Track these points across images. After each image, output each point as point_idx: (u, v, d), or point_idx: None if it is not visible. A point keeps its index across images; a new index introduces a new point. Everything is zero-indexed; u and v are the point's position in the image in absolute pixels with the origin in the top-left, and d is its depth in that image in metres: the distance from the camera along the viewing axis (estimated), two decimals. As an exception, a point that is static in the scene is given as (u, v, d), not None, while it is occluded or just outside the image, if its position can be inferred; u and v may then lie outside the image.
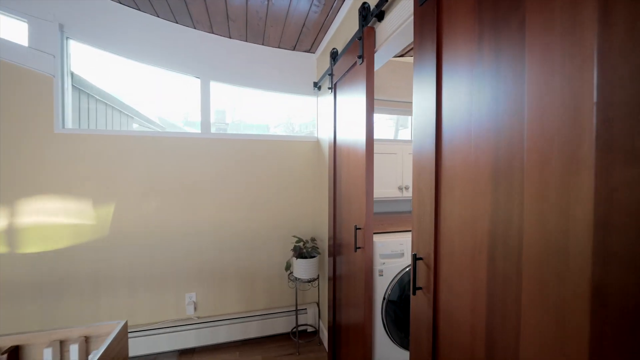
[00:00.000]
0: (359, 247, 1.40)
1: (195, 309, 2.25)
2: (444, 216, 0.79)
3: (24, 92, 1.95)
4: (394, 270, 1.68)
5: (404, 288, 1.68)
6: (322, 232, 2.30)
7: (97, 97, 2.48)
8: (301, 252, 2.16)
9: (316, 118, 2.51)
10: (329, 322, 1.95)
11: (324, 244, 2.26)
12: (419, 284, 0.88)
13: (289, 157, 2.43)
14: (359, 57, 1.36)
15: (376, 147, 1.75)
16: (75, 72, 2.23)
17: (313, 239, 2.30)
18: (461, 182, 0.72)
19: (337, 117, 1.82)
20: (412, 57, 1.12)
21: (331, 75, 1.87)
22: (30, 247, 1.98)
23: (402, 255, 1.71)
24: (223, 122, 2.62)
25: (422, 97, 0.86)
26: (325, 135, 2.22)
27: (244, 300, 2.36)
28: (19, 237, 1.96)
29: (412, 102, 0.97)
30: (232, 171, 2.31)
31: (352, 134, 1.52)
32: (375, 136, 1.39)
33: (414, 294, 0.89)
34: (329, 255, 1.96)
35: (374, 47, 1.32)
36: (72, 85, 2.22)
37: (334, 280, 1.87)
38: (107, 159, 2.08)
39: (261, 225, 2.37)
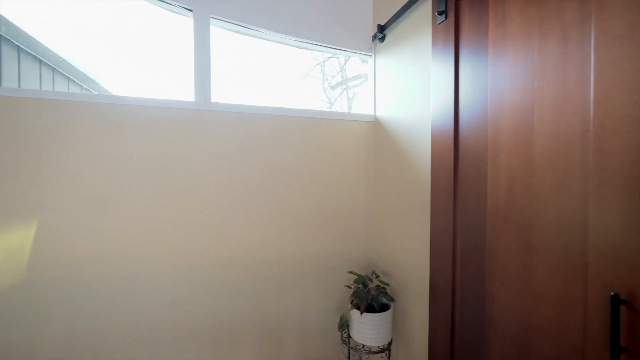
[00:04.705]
0: (625, 350, 0.58)
1: (185, 398, 1.34)
2: None
3: None
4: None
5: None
6: (388, 260, 1.46)
7: (17, 43, 1.48)
8: (367, 301, 1.31)
9: (373, 87, 1.66)
10: None
11: (395, 282, 1.42)
12: None
13: (330, 145, 1.56)
14: None
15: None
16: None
17: (375, 274, 1.46)
18: None
19: (459, 68, 0.98)
20: None
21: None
22: None
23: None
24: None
25: None
26: (397, 111, 1.38)
27: (265, 374, 1.47)
28: None
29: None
30: (245, 165, 1.41)
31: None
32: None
33: None
34: (434, 304, 1.13)
35: None
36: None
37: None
38: (24, 142, 1.12)
39: (291, 253, 1.49)
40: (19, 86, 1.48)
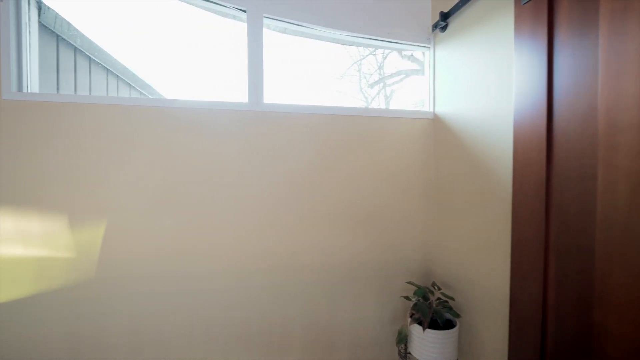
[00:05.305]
0: None
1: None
2: None
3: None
4: None
5: None
6: (449, 271, 1.33)
7: (88, 54, 1.60)
8: (430, 316, 1.19)
9: (431, 81, 1.52)
10: None
11: (460, 296, 1.28)
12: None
13: (384, 144, 1.46)
14: None
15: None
16: (50, 5, 1.35)
17: (436, 286, 1.33)
18: None
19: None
20: None
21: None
22: (-41, 299, 1.11)
23: None
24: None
25: None
26: (463, 107, 1.23)
27: (316, 383, 1.42)
28: None
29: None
30: (296, 167, 1.37)
31: None
32: None
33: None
34: (516, 329, 0.98)
35: None
36: (41, 24, 1.35)
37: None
38: (91, 145, 1.19)
39: (343, 259, 1.42)
40: (90, 93, 1.59)
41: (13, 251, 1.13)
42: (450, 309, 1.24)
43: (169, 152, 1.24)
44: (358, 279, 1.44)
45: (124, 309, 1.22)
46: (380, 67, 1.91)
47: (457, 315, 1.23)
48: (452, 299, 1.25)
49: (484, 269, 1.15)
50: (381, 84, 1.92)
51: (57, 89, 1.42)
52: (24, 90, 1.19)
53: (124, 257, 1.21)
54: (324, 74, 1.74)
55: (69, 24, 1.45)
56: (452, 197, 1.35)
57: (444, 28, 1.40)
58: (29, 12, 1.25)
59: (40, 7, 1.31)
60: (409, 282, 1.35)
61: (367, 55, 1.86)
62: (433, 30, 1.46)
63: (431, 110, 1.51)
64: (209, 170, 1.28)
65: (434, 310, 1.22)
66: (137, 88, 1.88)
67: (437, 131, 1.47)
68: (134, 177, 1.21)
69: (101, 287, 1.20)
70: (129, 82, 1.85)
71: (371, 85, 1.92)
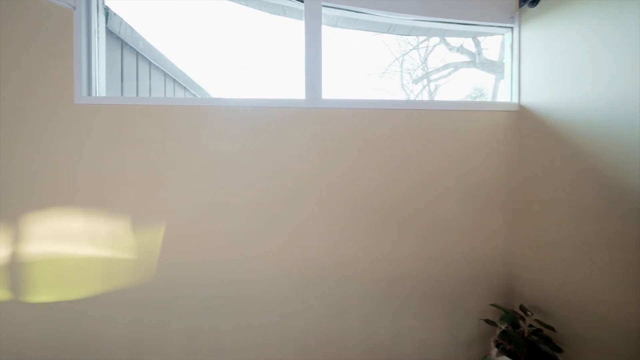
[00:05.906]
0: None
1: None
2: None
3: (22, 31, 1.14)
4: None
5: None
6: (540, 291, 1.09)
7: (149, 58, 1.63)
8: (526, 348, 0.98)
9: (513, 66, 1.30)
10: None
11: (557, 324, 1.05)
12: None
13: (458, 142, 1.27)
14: None
15: None
16: (116, 11, 1.39)
17: (525, 310, 1.11)
18: None
19: None
20: None
21: None
22: (35, 295, 1.16)
23: None
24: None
25: None
26: (564, 95, 0.99)
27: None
28: (16, 278, 1.15)
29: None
30: (360, 167, 1.24)
31: None
32: None
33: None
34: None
35: None
36: (108, 30, 1.39)
37: None
38: (152, 147, 1.17)
39: (411, 272, 1.25)
40: (150, 95, 1.63)
41: (83, 251, 1.16)
42: (548, 340, 1.02)
43: (225, 152, 1.19)
44: (427, 295, 1.26)
45: (182, 313, 1.19)
46: (424, 62, 1.77)
47: (558, 350, 1.00)
48: (552, 329, 1.02)
49: (599, 296, 0.92)
50: (425, 80, 1.78)
51: (122, 92, 1.46)
52: (93, 94, 1.22)
53: (181, 260, 1.19)
54: (364, 71, 1.63)
55: (132, 29, 1.48)
56: (545, 203, 1.12)
57: (534, 2, 1.17)
58: (97, 18, 1.28)
59: (107, 13, 1.34)
60: (493, 305, 1.14)
61: (410, 50, 1.72)
62: (520, 5, 1.24)
63: (515, 101, 1.29)
64: (266, 170, 1.20)
65: (527, 340, 1.01)
66: (190, 90, 1.91)
67: (523, 125, 1.25)
68: (192, 178, 1.18)
69: (161, 290, 1.18)
70: (184, 85, 1.88)
71: (415, 81, 1.77)
